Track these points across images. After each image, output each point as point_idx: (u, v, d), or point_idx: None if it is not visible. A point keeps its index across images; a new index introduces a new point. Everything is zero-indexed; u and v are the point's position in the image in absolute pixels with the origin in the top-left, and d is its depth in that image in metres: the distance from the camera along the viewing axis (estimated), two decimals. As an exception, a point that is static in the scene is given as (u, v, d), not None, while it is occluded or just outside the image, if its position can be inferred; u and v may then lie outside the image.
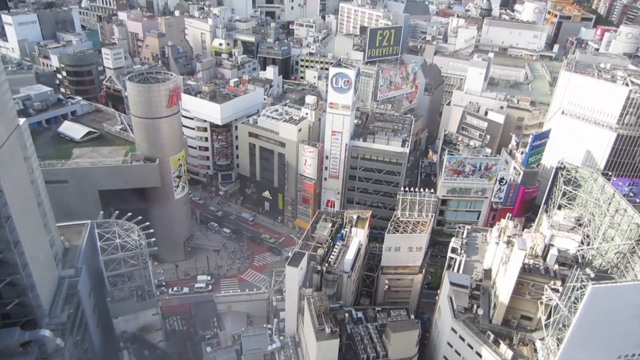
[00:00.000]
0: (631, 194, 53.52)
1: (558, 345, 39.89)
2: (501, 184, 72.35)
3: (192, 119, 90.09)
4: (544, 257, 47.07)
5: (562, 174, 57.03)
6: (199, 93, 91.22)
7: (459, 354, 47.99)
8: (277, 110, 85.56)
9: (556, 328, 40.37)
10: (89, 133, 77.08)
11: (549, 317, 42.14)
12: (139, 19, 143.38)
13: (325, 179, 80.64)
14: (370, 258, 59.49)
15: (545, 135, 74.26)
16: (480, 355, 45.19)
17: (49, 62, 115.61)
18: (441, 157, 77.16)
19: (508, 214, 58.80)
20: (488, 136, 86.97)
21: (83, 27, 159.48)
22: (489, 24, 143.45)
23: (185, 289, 72.17)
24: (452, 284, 49.55)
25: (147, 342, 53.42)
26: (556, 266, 46.00)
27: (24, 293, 37.71)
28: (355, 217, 58.03)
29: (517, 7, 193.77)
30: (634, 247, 45.86)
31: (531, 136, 72.34)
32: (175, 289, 72.06)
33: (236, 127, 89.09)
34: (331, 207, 79.92)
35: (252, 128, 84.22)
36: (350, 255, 52.38)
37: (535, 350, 43.95)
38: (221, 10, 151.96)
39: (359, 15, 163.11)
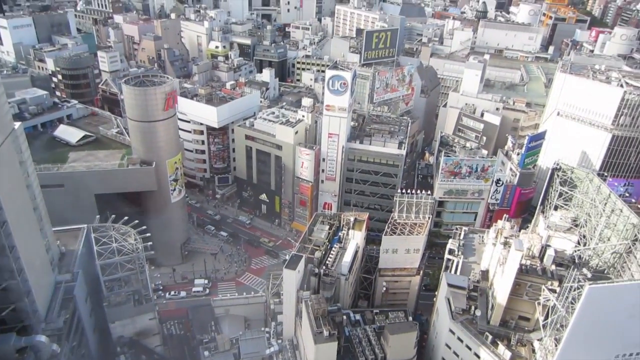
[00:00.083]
0: (627, 194, 53.85)
1: (556, 346, 39.97)
2: (498, 185, 72.58)
3: (188, 122, 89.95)
4: (541, 258, 47.21)
5: (558, 175, 57.31)
6: (196, 96, 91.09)
7: (457, 356, 47.98)
8: (273, 113, 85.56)
9: (554, 328, 40.46)
10: (84, 137, 76.81)
11: (546, 317, 42.23)
12: (135, 22, 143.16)
13: (322, 181, 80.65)
14: (367, 260, 59.46)
15: (541, 137, 74.58)
16: (478, 357, 45.20)
17: (44, 65, 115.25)
18: (438, 158, 77.38)
19: (505, 215, 58.97)
20: (484, 138, 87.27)
21: (79, 30, 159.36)
22: (485, 26, 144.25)
23: (183, 293, 71.89)
24: (449, 285, 49.59)
25: (145, 346, 53.10)
26: (553, 267, 46.14)
27: (19, 298, 37.40)
28: (352, 219, 58.04)
29: (512, 9, 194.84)
30: (630, 247, 46.11)
31: (527, 137, 72.61)
32: (172, 293, 71.76)
33: (233, 130, 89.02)
34: (328, 209, 79.78)
35: (248, 131, 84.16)
36: (347, 257, 52.34)
37: (534, 351, 44.02)
38: (217, 13, 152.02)
39: (355, 17, 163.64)
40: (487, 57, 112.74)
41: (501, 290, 45.51)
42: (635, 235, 45.79)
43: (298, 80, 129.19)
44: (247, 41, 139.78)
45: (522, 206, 74.88)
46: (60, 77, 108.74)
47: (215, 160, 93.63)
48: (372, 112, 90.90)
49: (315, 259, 51.81)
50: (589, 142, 74.89)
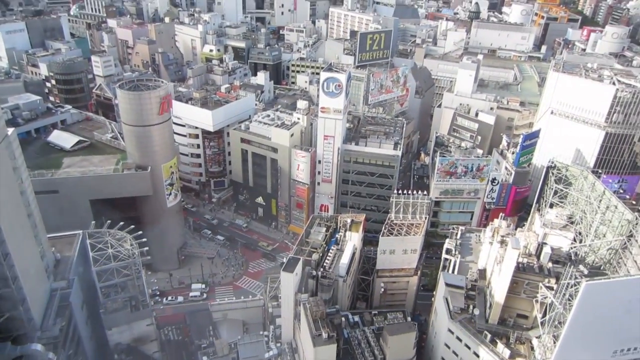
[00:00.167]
0: (621, 191, 54.36)
1: (554, 343, 40.09)
2: (493, 184, 72.86)
3: (183, 126, 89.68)
4: (538, 256, 47.38)
5: (553, 173, 57.68)
6: (190, 100, 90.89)
7: (457, 355, 47.99)
8: (269, 116, 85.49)
9: (552, 325, 40.58)
10: (79, 142, 76.33)
11: (544, 314, 42.35)
12: (129, 26, 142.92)
13: (319, 183, 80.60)
14: (365, 261, 59.43)
15: (535, 135, 74.98)
16: (477, 356, 45.24)
17: (37, 70, 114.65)
18: (433, 159, 77.56)
19: (501, 213, 59.19)
20: (479, 137, 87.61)
21: (72, 34, 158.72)
22: (478, 27, 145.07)
23: (180, 298, 71.40)
24: (447, 285, 49.64)
25: (142, 353, 52.63)
26: (550, 264, 46.32)
27: (14, 307, 36.99)
28: (349, 220, 58.01)
29: (504, 9, 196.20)
30: (625, 243, 46.41)
31: (521, 136, 73.01)
32: (169, 298, 71.31)
33: (228, 134, 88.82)
34: (325, 211, 79.87)
35: (244, 134, 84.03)
36: (345, 259, 52.28)
37: (532, 349, 44.12)
38: (211, 17, 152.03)
39: (349, 19, 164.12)
40: (480, 57, 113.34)
41: (499, 289, 45.59)
42: (630, 231, 46.11)
43: (293, 82, 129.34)
44: (242, 44, 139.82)
45: (518, 205, 75.20)
46: (53, 82, 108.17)
47: (211, 164, 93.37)
48: (367, 113, 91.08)
49: (313, 262, 51.70)
50: (582, 140, 75.40)
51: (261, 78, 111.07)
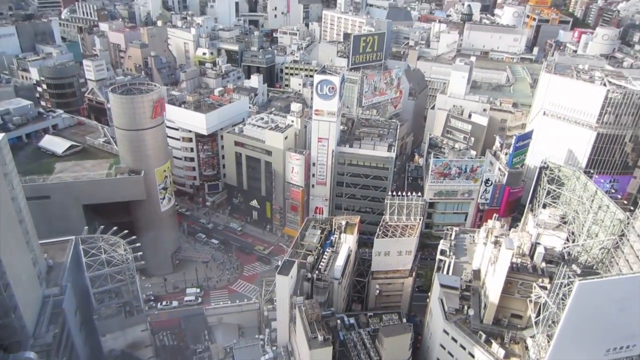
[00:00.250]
0: (612, 191, 54.86)
1: (548, 342, 40.30)
2: (487, 185, 73.26)
3: (177, 129, 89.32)
4: (531, 256, 47.68)
5: (545, 174, 58.11)
6: (184, 103, 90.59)
7: (452, 356, 48.11)
8: (262, 119, 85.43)
9: (546, 325, 40.81)
10: (71, 147, 75.81)
11: (538, 314, 42.60)
12: (121, 29, 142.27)
13: (313, 186, 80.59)
14: (360, 263, 59.44)
15: (528, 136, 75.54)
16: (472, 356, 45.37)
17: (28, 75, 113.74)
18: (427, 160, 77.90)
19: (495, 214, 59.59)
20: (472, 138, 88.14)
21: (63, 38, 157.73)
22: (470, 29, 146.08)
23: (175, 303, 71.00)
24: (442, 285, 49.78)
25: (137, 359, 52.26)
26: (543, 264, 46.61)
27: (6, 314, 36.54)
28: (344, 223, 57.96)
29: (497, 11, 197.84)
30: (617, 242, 46.84)
31: (514, 137, 73.48)
32: (164, 303, 70.86)
33: (222, 137, 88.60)
34: (320, 213, 79.87)
35: (238, 137, 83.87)
36: (340, 261, 52.24)
37: (527, 348, 44.32)
38: (204, 20, 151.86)
39: (342, 22, 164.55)
40: (473, 59, 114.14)
41: (493, 289, 45.80)
42: (622, 231, 46.55)
43: (286, 85, 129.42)
44: (235, 47, 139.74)
45: (511, 205, 75.65)
46: (45, 86, 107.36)
47: (205, 167, 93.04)
48: (361, 115, 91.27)
49: (308, 264, 51.61)
50: (574, 141, 76.07)
51: (255, 81, 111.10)
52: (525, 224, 56.93)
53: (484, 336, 45.42)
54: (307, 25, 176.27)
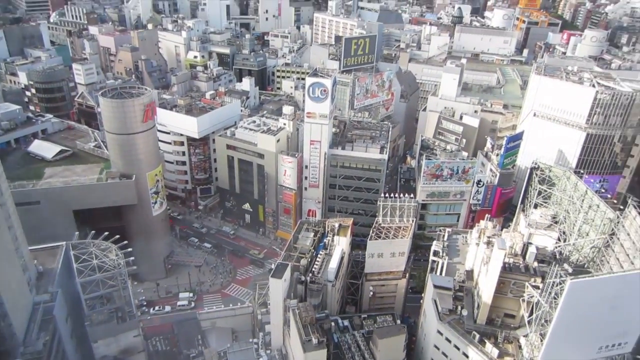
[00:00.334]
0: (602, 190, 55.38)
1: (541, 341, 40.59)
2: (479, 186, 73.76)
3: (168, 133, 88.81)
4: (524, 256, 48.04)
5: (536, 174, 58.61)
6: (175, 107, 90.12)
7: (446, 356, 48.23)
8: (254, 122, 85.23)
9: (539, 324, 41.10)
10: (61, 151, 75.03)
11: (531, 313, 42.91)
12: (111, 33, 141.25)
13: (306, 188, 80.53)
14: (353, 265, 59.46)
15: (518, 137, 76.22)
16: (467, 356, 45.51)
17: (16, 79, 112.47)
18: (419, 162, 78.22)
19: (487, 215, 59.92)
20: (464, 140, 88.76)
21: (52, 42, 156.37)
22: (461, 31, 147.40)
23: (167, 308, 70.33)
24: (435, 286, 49.94)
25: (129, 365, 51.68)
26: (535, 263, 46.98)
27: (-5, 321, 36.07)
28: (337, 225, 57.98)
29: (487, 14, 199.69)
30: (607, 241, 47.36)
31: (505, 138, 74.10)
32: (156, 308, 70.15)
33: (214, 140, 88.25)
34: (312, 216, 79.79)
35: (230, 140, 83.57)
36: (333, 264, 52.21)
37: (520, 347, 44.58)
38: (195, 23, 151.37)
39: (333, 25, 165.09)
40: (464, 61, 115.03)
41: (486, 289, 46.03)
42: (612, 230, 47.07)
43: (278, 88, 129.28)
44: (226, 50, 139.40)
45: (503, 206, 76.22)
46: (33, 90, 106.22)
47: (197, 171, 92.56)
48: (353, 118, 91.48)
49: (301, 267, 51.51)
50: (564, 141, 76.91)
51: (246, 84, 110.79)
52: (517, 224, 57.32)
53: (477, 336, 45.62)
54: (298, 28, 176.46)
